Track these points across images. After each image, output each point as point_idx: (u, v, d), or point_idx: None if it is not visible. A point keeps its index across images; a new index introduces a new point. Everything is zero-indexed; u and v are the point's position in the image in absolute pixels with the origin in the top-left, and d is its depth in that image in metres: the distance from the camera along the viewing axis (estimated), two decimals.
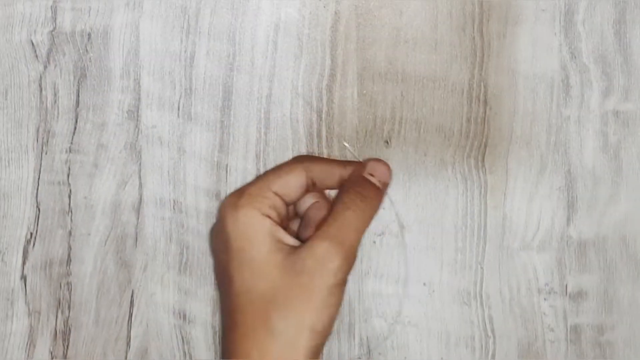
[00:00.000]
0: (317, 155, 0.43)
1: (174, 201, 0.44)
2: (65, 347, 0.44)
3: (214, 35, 0.43)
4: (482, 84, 0.43)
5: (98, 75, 0.43)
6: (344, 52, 0.43)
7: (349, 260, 0.35)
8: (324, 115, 0.44)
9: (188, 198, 0.44)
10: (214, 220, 0.44)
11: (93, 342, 0.44)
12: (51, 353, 0.44)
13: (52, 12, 0.43)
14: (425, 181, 0.44)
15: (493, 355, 0.44)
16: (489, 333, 0.44)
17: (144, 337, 0.44)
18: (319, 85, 0.44)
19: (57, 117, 0.43)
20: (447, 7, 0.43)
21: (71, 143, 0.44)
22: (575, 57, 0.43)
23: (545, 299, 0.43)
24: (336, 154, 0.44)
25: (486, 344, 0.44)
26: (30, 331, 0.44)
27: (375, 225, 0.44)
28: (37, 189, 0.44)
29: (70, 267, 0.44)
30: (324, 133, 0.44)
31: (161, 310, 0.44)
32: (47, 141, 0.43)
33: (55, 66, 0.43)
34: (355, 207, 0.36)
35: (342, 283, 0.35)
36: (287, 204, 0.38)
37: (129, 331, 0.44)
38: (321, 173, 0.38)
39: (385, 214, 0.44)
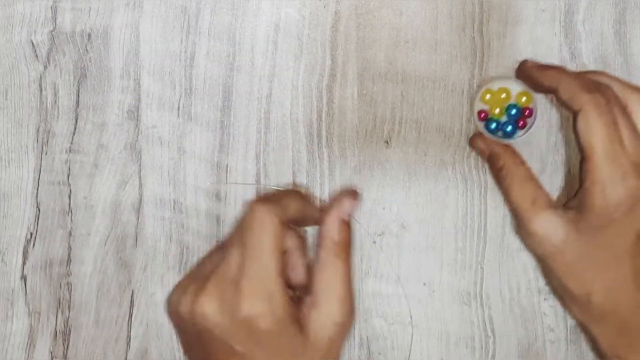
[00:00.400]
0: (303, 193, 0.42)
1: (174, 201, 0.44)
2: (65, 347, 0.44)
3: (214, 35, 0.43)
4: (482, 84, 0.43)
5: (98, 75, 0.43)
6: (344, 52, 0.43)
7: (351, 314, 0.35)
8: (324, 115, 0.44)
9: (188, 198, 0.44)
10: (213, 220, 0.44)
11: (93, 342, 0.44)
12: (51, 353, 0.44)
13: (52, 12, 0.43)
14: (426, 181, 0.44)
15: (493, 355, 0.44)
16: (489, 333, 0.44)
17: (144, 337, 0.44)
18: (319, 85, 0.44)
19: (57, 117, 0.43)
20: (447, 7, 0.43)
21: (71, 143, 0.44)
22: (575, 57, 0.43)
23: (545, 299, 0.43)
24: (336, 154, 0.44)
25: (486, 344, 0.44)
26: (30, 331, 0.44)
27: (375, 225, 0.44)
28: (37, 189, 0.44)
29: (70, 267, 0.44)
30: (324, 133, 0.44)
31: (161, 310, 0.44)
32: (47, 141, 0.43)
33: (55, 66, 0.43)
34: (333, 266, 0.35)
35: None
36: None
37: (129, 331, 0.44)
38: (297, 213, 0.37)
39: (385, 214, 0.44)
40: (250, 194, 0.44)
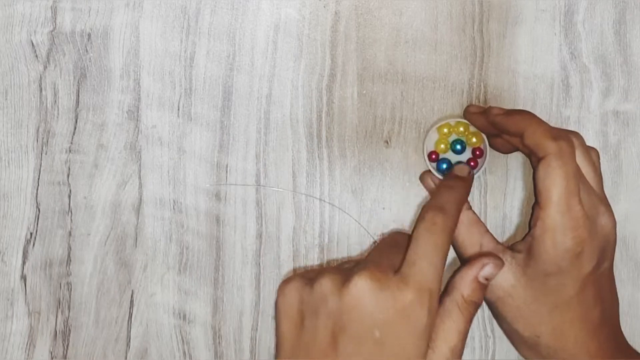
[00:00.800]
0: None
1: (174, 201, 0.44)
2: (65, 347, 0.44)
3: (214, 35, 0.43)
4: (482, 84, 0.43)
5: (98, 75, 0.43)
6: (344, 52, 0.43)
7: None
8: (324, 115, 0.44)
9: (188, 198, 0.44)
10: (213, 220, 0.44)
11: (93, 342, 0.44)
12: (51, 353, 0.44)
13: (52, 12, 0.43)
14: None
15: (493, 355, 0.44)
16: (489, 333, 0.44)
17: (144, 337, 0.44)
18: (319, 85, 0.44)
19: (57, 117, 0.43)
20: (447, 7, 0.43)
21: (71, 143, 0.44)
22: (575, 57, 0.43)
23: None
24: (336, 154, 0.44)
25: (486, 344, 0.44)
26: (30, 331, 0.44)
27: (375, 225, 0.44)
28: (37, 189, 0.44)
29: (70, 267, 0.44)
30: (324, 133, 0.44)
31: (161, 310, 0.44)
32: (47, 141, 0.43)
33: (55, 66, 0.43)
34: (454, 319, 0.35)
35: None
36: None
37: (129, 331, 0.44)
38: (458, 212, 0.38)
39: (385, 214, 0.44)
40: (250, 193, 0.44)
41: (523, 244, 0.38)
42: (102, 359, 0.44)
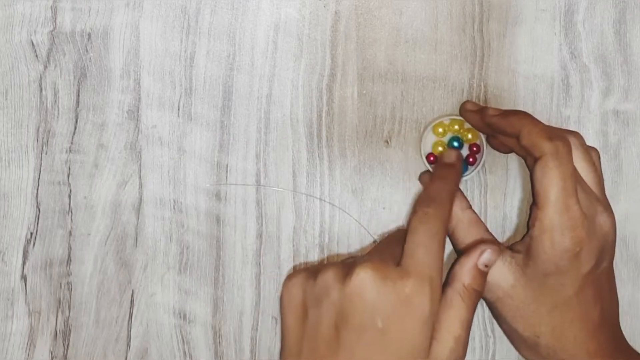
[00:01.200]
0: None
1: (174, 201, 0.44)
2: (65, 347, 0.44)
3: (214, 35, 0.43)
4: (482, 84, 0.43)
5: (98, 75, 0.43)
6: (344, 52, 0.43)
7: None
8: (324, 115, 0.44)
9: (188, 198, 0.44)
10: (214, 220, 0.44)
11: (93, 342, 0.44)
12: (51, 353, 0.44)
13: (52, 12, 0.43)
14: None
15: (493, 355, 0.44)
16: (489, 333, 0.44)
17: (144, 337, 0.44)
18: (319, 85, 0.44)
19: (57, 117, 0.43)
20: (447, 7, 0.43)
21: (71, 143, 0.44)
22: (575, 57, 0.43)
23: None
24: (336, 154, 0.44)
25: (486, 344, 0.44)
26: (30, 331, 0.44)
27: (375, 225, 0.44)
28: (37, 189, 0.44)
29: (70, 267, 0.44)
30: (324, 133, 0.44)
31: (161, 310, 0.44)
32: (47, 141, 0.43)
33: (55, 66, 0.43)
34: (457, 308, 0.35)
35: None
36: None
37: (129, 331, 0.44)
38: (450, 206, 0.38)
39: (385, 214, 0.44)
40: (251, 193, 0.44)
41: (522, 244, 0.38)
42: (102, 359, 0.44)
